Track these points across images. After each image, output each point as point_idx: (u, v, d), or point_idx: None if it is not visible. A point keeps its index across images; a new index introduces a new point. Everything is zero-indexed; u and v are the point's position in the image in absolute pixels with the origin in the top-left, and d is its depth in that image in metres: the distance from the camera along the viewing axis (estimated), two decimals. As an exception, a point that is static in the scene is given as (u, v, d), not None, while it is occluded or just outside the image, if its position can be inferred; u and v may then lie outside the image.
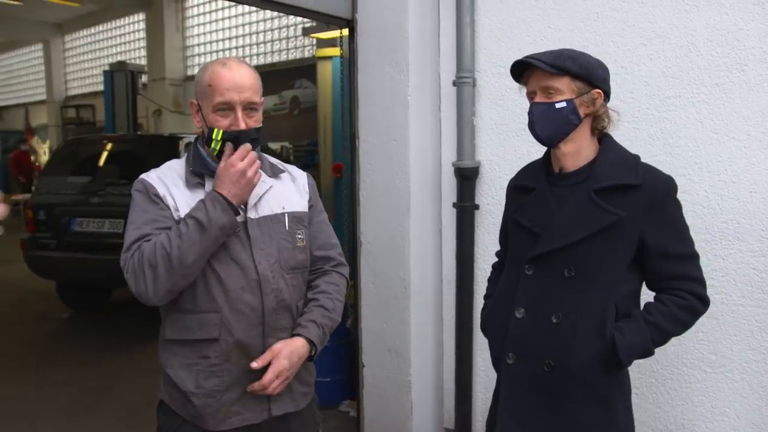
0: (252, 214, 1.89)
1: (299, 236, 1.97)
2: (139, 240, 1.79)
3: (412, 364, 3.27)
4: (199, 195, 1.86)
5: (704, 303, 1.83)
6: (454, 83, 3.13)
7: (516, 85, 2.89)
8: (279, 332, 1.90)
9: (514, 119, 3.05)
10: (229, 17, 13.36)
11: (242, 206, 1.88)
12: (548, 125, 1.85)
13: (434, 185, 3.29)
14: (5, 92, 21.98)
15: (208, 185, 1.87)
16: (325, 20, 3.21)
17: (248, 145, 1.81)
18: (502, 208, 2.99)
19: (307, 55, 11.72)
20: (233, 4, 12.41)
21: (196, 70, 14.02)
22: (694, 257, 1.84)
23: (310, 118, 11.47)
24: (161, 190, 1.87)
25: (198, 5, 13.92)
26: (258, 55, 12.84)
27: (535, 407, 1.87)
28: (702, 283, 1.84)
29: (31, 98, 20.60)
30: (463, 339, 3.24)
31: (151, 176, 1.91)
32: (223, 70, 1.82)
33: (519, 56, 2.84)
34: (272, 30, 12.56)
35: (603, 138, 1.91)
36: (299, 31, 11.95)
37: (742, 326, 2.56)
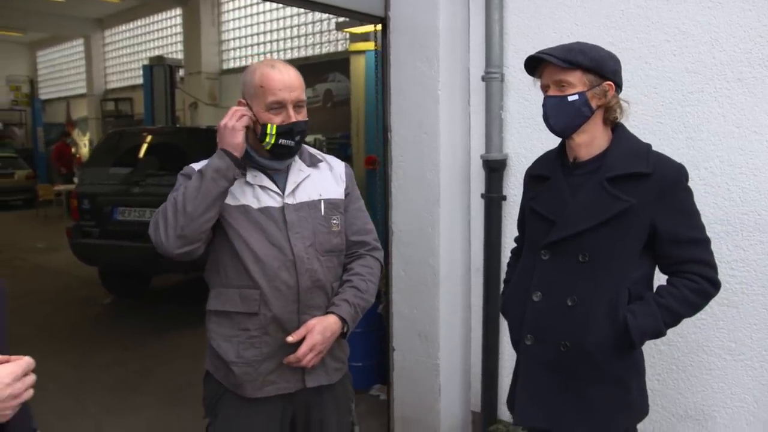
0: (290, 200, 2.04)
1: (334, 221, 2.11)
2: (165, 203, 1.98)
3: (441, 348, 3.39)
4: (241, 183, 2.01)
5: (715, 286, 1.90)
6: (483, 78, 3.23)
7: (543, 79, 3.00)
8: (313, 310, 2.04)
9: (541, 113, 3.13)
10: (263, 12, 13.56)
11: (280, 192, 2.03)
12: (561, 117, 1.95)
13: (463, 177, 3.39)
14: (48, 86, 22.58)
15: (250, 176, 2.03)
16: (359, 18, 3.33)
17: (233, 107, 2.01)
18: (527, 199, 3.12)
19: (340, 49, 11.87)
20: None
21: (231, 64, 14.29)
22: (705, 242, 1.92)
23: (343, 111, 11.62)
24: None
25: (233, 0, 14.15)
26: (292, 49, 13.03)
27: (552, 387, 1.97)
28: (713, 266, 1.91)
29: (72, 92, 21.14)
30: (489, 325, 3.35)
31: (199, 165, 2.07)
32: (273, 71, 1.97)
33: (546, 52, 2.94)
34: (306, 24, 12.73)
35: (616, 128, 2.00)
36: (332, 26, 12.11)
37: (762, 315, 2.62)
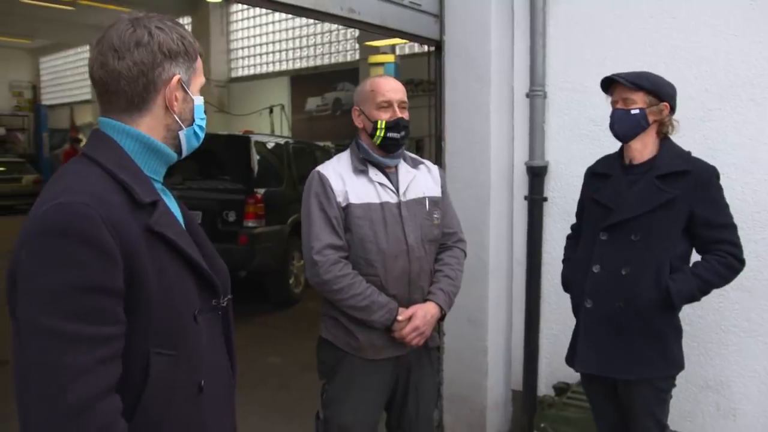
0: (403, 198, 2.54)
1: (435, 216, 2.62)
2: (330, 248, 2.43)
3: (489, 332, 3.90)
4: (363, 181, 2.50)
5: (740, 261, 2.49)
6: (527, 95, 3.76)
7: (579, 97, 3.56)
8: (420, 290, 2.54)
9: (579, 126, 3.67)
10: (273, 22, 14.04)
11: (396, 190, 2.52)
12: (623, 126, 2.54)
13: (508, 181, 3.92)
14: (52, 92, 22.90)
15: (372, 173, 2.52)
16: (418, 41, 3.86)
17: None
18: (567, 201, 3.67)
19: (349, 59, 12.39)
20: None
21: (240, 72, 14.74)
22: (733, 226, 2.51)
23: (351, 119, 12.14)
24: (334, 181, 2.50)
25: (243, 10, 14.63)
26: (301, 58, 13.52)
27: (607, 339, 2.54)
28: (738, 246, 2.50)
29: (77, 98, 21.49)
30: (532, 311, 3.86)
31: (327, 168, 2.56)
32: (381, 79, 2.55)
33: (582, 74, 3.55)
34: (315, 35, 13.23)
35: (664, 139, 2.57)
36: (341, 36, 12.63)
37: (771, 297, 3.17)
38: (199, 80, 1.51)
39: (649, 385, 2.53)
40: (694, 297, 2.49)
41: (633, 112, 2.49)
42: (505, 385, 4.07)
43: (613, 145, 3.47)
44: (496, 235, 3.89)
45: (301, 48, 13.55)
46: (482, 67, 3.76)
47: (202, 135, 1.53)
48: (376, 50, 9.03)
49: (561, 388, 3.64)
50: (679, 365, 2.57)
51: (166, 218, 1.37)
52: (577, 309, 2.69)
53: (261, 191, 7.21)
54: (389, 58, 8.09)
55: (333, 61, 12.91)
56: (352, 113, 2.59)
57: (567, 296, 3.74)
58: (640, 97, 2.49)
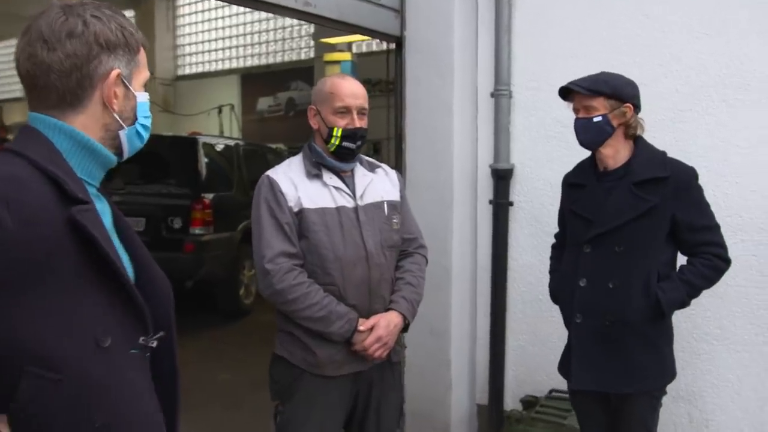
0: (360, 202, 2.46)
1: (395, 220, 2.55)
2: (283, 256, 2.34)
3: (452, 343, 3.84)
4: (317, 185, 2.42)
5: (726, 262, 2.50)
6: (492, 95, 3.74)
7: (546, 97, 3.57)
8: (380, 299, 2.47)
9: (545, 127, 3.66)
10: (223, 17, 13.80)
11: (352, 194, 2.45)
12: (588, 134, 2.53)
13: (471, 184, 3.88)
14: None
15: (326, 176, 2.44)
16: (378, 37, 3.80)
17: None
18: (534, 206, 3.66)
19: (303, 57, 12.26)
20: (225, 4, 12.92)
21: (187, 70, 14.48)
22: (716, 227, 2.51)
23: (305, 120, 12.01)
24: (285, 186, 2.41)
25: (191, 3, 14.36)
26: (252, 56, 13.34)
27: (600, 354, 2.51)
28: (723, 246, 2.50)
29: (7, 95, 20.79)
30: (497, 321, 3.83)
31: (276, 173, 2.47)
32: (342, 81, 2.44)
33: (550, 73, 3.54)
34: (267, 31, 13.07)
35: (636, 140, 2.55)
36: (294, 33, 12.51)
37: (744, 304, 3.19)
38: (143, 75, 1.40)
39: (646, 396, 2.54)
40: (684, 304, 2.50)
41: (595, 119, 2.47)
42: (469, 399, 4.02)
43: (582, 148, 3.49)
44: (459, 241, 3.84)
45: (252, 45, 13.35)
46: (445, 63, 3.72)
47: (146, 135, 1.42)
48: (333, 48, 8.94)
49: (529, 402, 3.61)
50: (673, 374, 2.60)
51: (93, 217, 1.25)
52: (567, 323, 2.67)
53: (209, 196, 7.08)
54: (345, 56, 8.02)
55: (286, 59, 12.75)
56: (308, 112, 2.50)
57: (534, 305, 3.77)
58: (600, 103, 2.47)
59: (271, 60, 13.08)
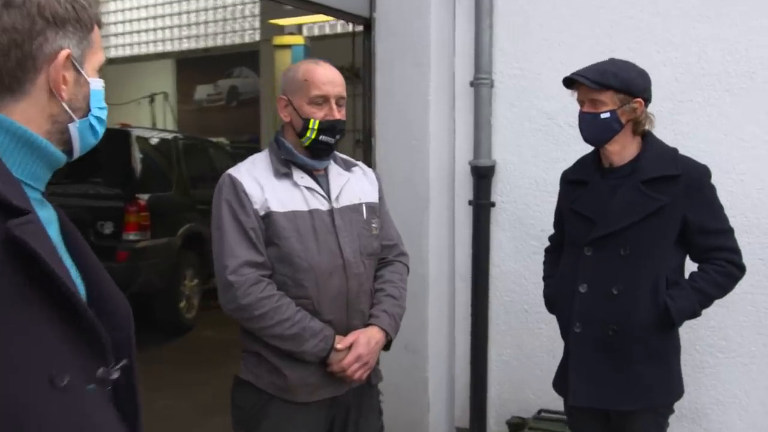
0: (336, 204, 2.43)
1: (374, 225, 2.53)
2: (249, 266, 2.29)
3: (429, 360, 3.84)
4: (287, 186, 2.38)
5: (740, 269, 2.54)
6: (472, 84, 3.75)
7: (531, 86, 3.60)
8: (360, 314, 2.44)
9: (530, 120, 3.69)
10: (155, -6, 13.58)
11: (327, 195, 2.42)
12: (593, 131, 2.54)
13: (450, 183, 3.88)
14: None
15: (297, 176, 2.40)
16: (344, 18, 3.77)
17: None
18: (518, 206, 3.68)
19: (247, 40, 12.14)
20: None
21: (114, 53, 14.19)
22: (730, 231, 2.55)
23: (250, 112, 11.92)
24: (249, 186, 2.36)
25: (117, -21, 14.09)
26: (189, 38, 13.14)
27: (602, 367, 2.53)
28: (737, 252, 2.54)
29: None
30: (478, 335, 3.84)
31: (239, 171, 2.42)
32: (318, 67, 2.39)
33: (535, 60, 3.56)
34: (206, 10, 12.89)
35: (645, 135, 2.58)
36: (237, 13, 12.38)
37: (750, 313, 3.26)
38: (97, 57, 1.33)
39: (651, 414, 2.56)
40: (696, 313, 2.54)
41: (603, 116, 2.48)
42: (448, 422, 4.03)
43: (572, 142, 3.51)
44: (436, 247, 3.84)
45: (189, 25, 13.17)
46: (420, 49, 3.71)
47: (101, 130, 1.34)
48: (281, 30, 8.89)
49: (516, 424, 3.63)
50: (681, 391, 2.63)
51: (35, 231, 1.18)
52: (565, 333, 2.68)
53: (144, 197, 6.93)
54: (298, 39, 7.99)
55: (228, 42, 12.61)
56: (278, 103, 2.46)
57: (519, 316, 3.79)
58: (608, 97, 2.48)
59: (210, 43, 12.90)
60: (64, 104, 1.25)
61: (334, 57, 7.47)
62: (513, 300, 3.81)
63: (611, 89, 2.46)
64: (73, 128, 1.28)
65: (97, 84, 1.32)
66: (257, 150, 9.38)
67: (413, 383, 3.87)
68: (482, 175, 3.77)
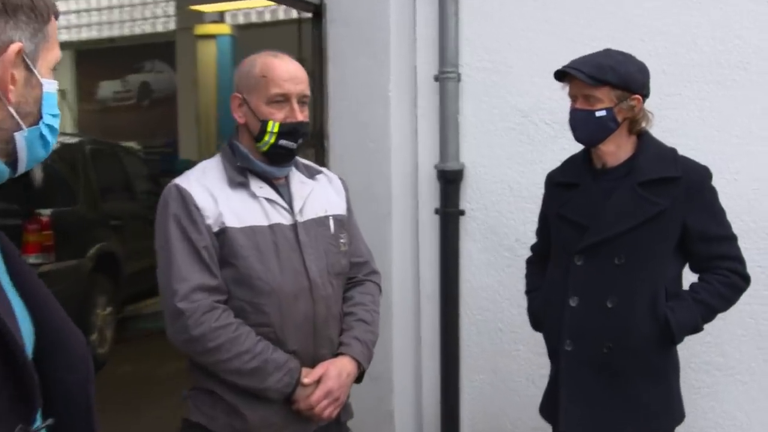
0: (300, 218, 2.39)
1: (342, 240, 2.50)
2: (201, 290, 2.24)
3: (395, 391, 3.82)
4: (244, 196, 2.33)
5: (745, 280, 2.61)
6: (437, 78, 3.76)
7: (503, 80, 3.61)
8: (328, 342, 2.41)
9: (502, 118, 3.71)
10: (48, -23, 13.26)
11: (289, 207, 2.38)
12: (587, 130, 2.57)
13: (413, 190, 3.88)
14: None
15: (255, 185, 2.36)
16: (289, 3, 3.74)
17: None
18: (490, 214, 3.70)
19: (161, 29, 11.96)
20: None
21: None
22: (733, 238, 2.62)
23: (166, 112, 11.75)
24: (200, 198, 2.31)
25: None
26: (91, 26, 12.88)
27: (596, 387, 2.56)
28: (741, 261, 2.61)
29: None
30: (449, 358, 3.84)
31: (188, 181, 2.36)
32: (278, 61, 2.33)
33: (507, 51, 3.59)
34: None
35: (642, 134, 2.63)
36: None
37: (749, 326, 3.33)
38: (52, 54, 1.28)
39: None
40: (697, 327, 2.58)
41: (598, 114, 2.52)
42: (417, 458, 4.01)
43: (549, 142, 3.55)
44: (400, 261, 3.84)
45: (90, 11, 12.92)
46: (378, 39, 3.71)
47: (52, 140, 1.29)
48: (200, 18, 8.78)
49: (494, 459, 3.64)
50: (682, 415, 2.67)
51: None
52: (554, 353, 2.69)
53: (46, 213, 6.74)
54: (224, 28, 7.89)
55: (138, 31, 12.39)
56: (231, 102, 2.40)
57: (493, 336, 3.81)
58: (604, 94, 2.51)
59: (116, 32, 12.68)
60: (11, 108, 1.20)
61: (273, 48, 7.45)
62: (486, 319, 3.82)
63: (608, 85, 2.49)
64: (20, 137, 1.23)
65: (50, 86, 1.27)
66: (173, 156, 9.30)
67: (378, 418, 3.85)
68: (450, 180, 3.79)
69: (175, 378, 5.68)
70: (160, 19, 12.05)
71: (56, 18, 1.28)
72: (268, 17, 8.47)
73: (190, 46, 8.67)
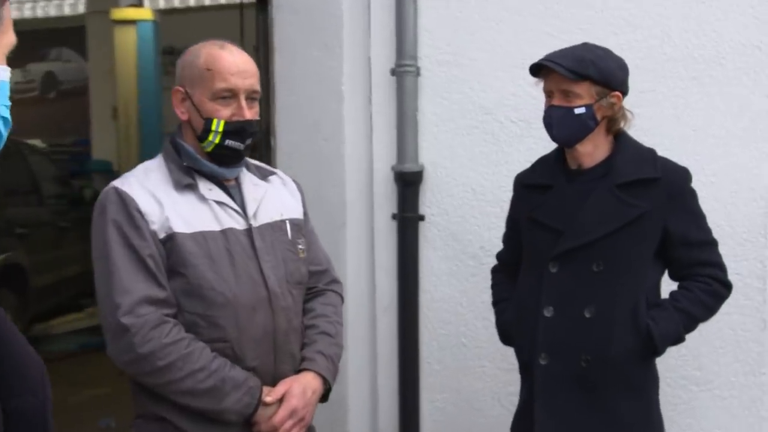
0: (254, 222, 2.44)
1: (300, 246, 2.57)
2: (148, 303, 2.26)
3: (351, 412, 3.91)
4: (191, 199, 2.37)
5: (727, 287, 2.76)
6: (393, 72, 3.85)
7: (465, 74, 3.71)
8: (289, 357, 2.47)
9: (464, 115, 3.81)
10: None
11: (242, 211, 2.44)
12: (565, 129, 2.68)
13: (368, 193, 3.97)
14: None
15: (204, 187, 2.40)
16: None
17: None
18: (452, 220, 3.80)
19: (68, 12, 11.80)
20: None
21: None
22: (714, 243, 2.77)
23: (76, 106, 11.58)
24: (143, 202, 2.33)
25: None
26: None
27: (574, 403, 2.66)
28: (722, 268, 2.76)
29: None
30: (407, 378, 3.93)
31: (128, 183, 2.38)
32: (224, 52, 2.36)
33: (470, 43, 3.70)
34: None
35: (619, 134, 2.76)
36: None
37: (727, 337, 3.50)
38: (7, 38, 1.33)
39: None
40: (680, 338, 2.72)
41: (577, 111, 2.63)
42: (373, 491, 4.09)
43: (515, 141, 3.67)
44: (354, 271, 3.93)
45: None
46: (329, 28, 3.80)
47: (5, 132, 1.34)
48: (116, 1, 8.73)
49: (458, 486, 3.73)
50: (661, 429, 2.78)
51: None
52: (526, 368, 2.80)
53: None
54: (144, 13, 7.86)
55: (41, 13, 12.22)
56: (173, 96, 2.42)
57: (455, 352, 3.89)
58: (584, 90, 2.62)
59: (15, 14, 12.47)
60: None
61: (210, 36, 7.47)
62: (448, 333, 3.90)
63: (589, 80, 2.61)
64: None
65: (3, 73, 1.31)
66: (85, 156, 9.18)
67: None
68: (408, 183, 3.88)
69: (90, 407, 5.66)
70: (67, 1, 11.92)
71: (7, 1, 1.31)
72: (192, 2, 8.46)
73: (104, 32, 8.56)
